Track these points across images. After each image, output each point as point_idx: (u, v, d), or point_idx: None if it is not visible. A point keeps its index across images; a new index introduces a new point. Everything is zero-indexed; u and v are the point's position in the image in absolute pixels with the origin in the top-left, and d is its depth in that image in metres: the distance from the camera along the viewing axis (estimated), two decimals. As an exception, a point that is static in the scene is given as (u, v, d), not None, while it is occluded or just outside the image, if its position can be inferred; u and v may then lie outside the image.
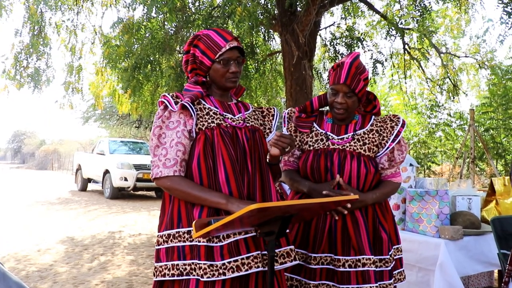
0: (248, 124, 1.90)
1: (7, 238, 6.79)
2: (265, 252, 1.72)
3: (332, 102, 2.12)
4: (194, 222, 1.52)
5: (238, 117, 1.90)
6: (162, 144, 1.78)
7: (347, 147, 2.11)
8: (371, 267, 1.99)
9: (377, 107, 2.24)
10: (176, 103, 1.79)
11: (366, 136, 2.16)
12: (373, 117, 2.25)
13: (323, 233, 2.02)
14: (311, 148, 2.13)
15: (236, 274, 1.64)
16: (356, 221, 2.05)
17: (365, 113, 2.27)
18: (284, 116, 2.27)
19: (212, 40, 1.85)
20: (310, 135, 2.17)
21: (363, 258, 2.00)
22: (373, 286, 1.98)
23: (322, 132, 2.16)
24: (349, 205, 1.96)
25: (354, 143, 2.12)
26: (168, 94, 1.84)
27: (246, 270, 1.66)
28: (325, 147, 2.11)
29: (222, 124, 1.83)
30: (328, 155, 2.08)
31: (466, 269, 3.11)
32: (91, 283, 4.54)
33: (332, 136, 2.14)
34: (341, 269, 1.98)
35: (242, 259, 1.67)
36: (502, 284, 2.53)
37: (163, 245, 1.77)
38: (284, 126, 2.26)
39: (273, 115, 2.11)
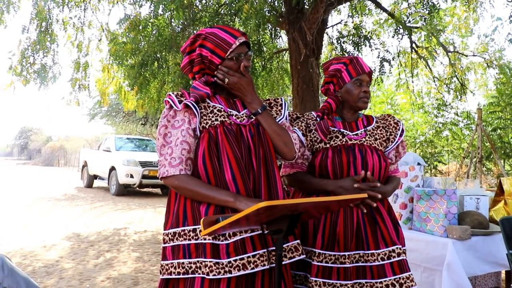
0: (252, 119, 1.89)
1: (13, 234, 6.82)
2: (272, 248, 1.71)
3: (358, 93, 2.14)
4: (202, 220, 1.52)
5: (243, 113, 1.89)
6: (167, 143, 1.77)
7: (364, 142, 2.13)
8: (404, 256, 2.03)
9: None
10: (180, 101, 1.79)
11: (375, 132, 2.21)
12: (373, 115, 2.32)
13: (353, 230, 2.00)
14: (328, 145, 2.11)
15: (242, 272, 1.63)
16: (381, 213, 2.07)
17: None
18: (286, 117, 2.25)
19: (220, 38, 1.83)
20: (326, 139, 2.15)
21: (397, 248, 2.02)
22: (410, 274, 2.01)
23: (335, 130, 2.15)
24: (379, 196, 1.98)
25: (368, 138, 2.15)
26: (173, 93, 1.83)
27: (252, 268, 1.65)
28: (343, 143, 2.10)
29: (226, 121, 1.81)
30: (349, 150, 2.08)
31: (473, 269, 3.09)
32: (96, 279, 4.56)
33: (347, 132, 2.14)
34: (376, 263, 1.97)
35: (248, 257, 1.66)
36: (511, 285, 2.52)
37: (169, 243, 1.77)
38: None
39: (281, 105, 2.07)
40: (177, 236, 1.75)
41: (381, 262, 1.98)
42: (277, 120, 1.98)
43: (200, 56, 1.87)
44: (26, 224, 7.77)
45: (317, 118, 2.20)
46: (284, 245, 1.77)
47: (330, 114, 2.19)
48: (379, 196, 1.98)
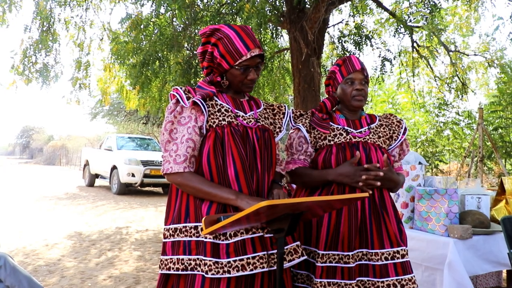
0: (259, 124, 1.89)
1: (15, 232, 6.84)
2: (273, 252, 1.72)
3: (350, 92, 2.13)
4: (203, 219, 1.52)
5: (249, 115, 1.89)
6: (173, 140, 1.78)
7: (368, 139, 2.13)
8: (408, 258, 2.04)
9: None
10: (188, 98, 1.78)
11: (379, 130, 2.21)
12: (376, 114, 2.33)
13: (356, 228, 2.00)
14: (332, 142, 2.11)
15: (240, 273, 1.64)
16: (387, 210, 2.07)
17: None
18: (289, 116, 2.25)
19: (233, 45, 1.80)
20: (328, 131, 2.16)
21: (402, 250, 2.02)
22: (413, 276, 2.01)
23: (339, 127, 2.15)
24: (378, 183, 1.97)
25: (372, 136, 2.15)
26: (180, 88, 1.82)
27: (251, 270, 1.66)
28: (347, 140, 2.10)
29: (233, 122, 1.82)
30: (353, 148, 2.08)
31: (474, 269, 3.09)
32: (98, 278, 4.57)
33: (351, 130, 2.15)
34: (379, 262, 1.98)
35: (248, 258, 1.67)
36: (512, 284, 2.52)
37: (169, 238, 1.78)
38: (291, 125, 2.24)
39: (283, 113, 2.10)
40: (178, 232, 1.76)
41: (385, 262, 1.98)
42: (276, 129, 2.05)
43: (211, 54, 1.86)
44: (28, 223, 7.78)
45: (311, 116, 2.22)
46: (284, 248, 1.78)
47: (322, 113, 2.19)
48: (378, 183, 1.97)
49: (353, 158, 2.02)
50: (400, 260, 2.00)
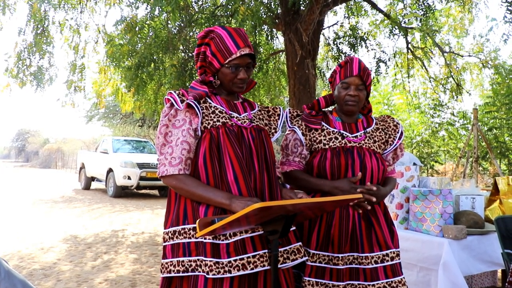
0: (254, 124, 1.91)
1: (11, 236, 6.81)
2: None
3: (343, 96, 2.13)
4: (198, 221, 1.53)
5: (244, 116, 1.90)
6: (168, 143, 1.79)
7: (363, 144, 2.12)
8: (397, 260, 2.05)
9: (370, 108, 2.32)
10: (182, 101, 1.80)
11: (375, 134, 2.20)
12: (373, 116, 2.32)
13: (348, 232, 2.01)
14: (327, 146, 2.11)
15: (241, 272, 1.65)
16: (376, 216, 2.08)
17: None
18: (286, 116, 2.25)
19: (224, 43, 1.83)
20: (323, 134, 2.15)
21: (391, 252, 2.04)
22: (402, 278, 2.03)
23: (334, 131, 2.15)
24: (374, 199, 1.98)
25: (367, 140, 2.15)
26: (174, 91, 1.84)
27: (252, 268, 1.67)
28: (342, 145, 2.10)
29: (228, 123, 1.83)
30: (348, 153, 2.08)
31: (469, 269, 3.11)
32: (94, 281, 4.55)
33: (346, 134, 2.14)
34: (369, 266, 1.99)
35: (248, 257, 1.68)
36: (506, 284, 2.54)
37: (168, 241, 1.79)
38: (288, 126, 2.25)
39: (278, 115, 2.12)
40: (177, 234, 1.77)
41: (375, 265, 1.99)
42: (271, 130, 2.05)
43: (203, 54, 1.90)
44: (24, 226, 7.75)
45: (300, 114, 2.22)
46: (287, 247, 1.80)
47: (314, 109, 2.20)
48: (374, 199, 1.99)
49: (354, 177, 2.03)
50: (390, 262, 2.02)
